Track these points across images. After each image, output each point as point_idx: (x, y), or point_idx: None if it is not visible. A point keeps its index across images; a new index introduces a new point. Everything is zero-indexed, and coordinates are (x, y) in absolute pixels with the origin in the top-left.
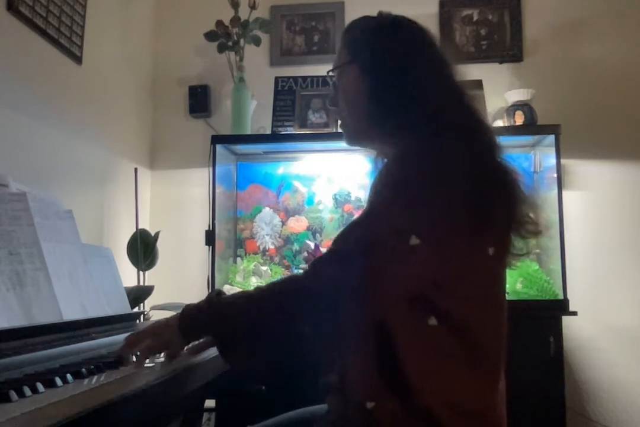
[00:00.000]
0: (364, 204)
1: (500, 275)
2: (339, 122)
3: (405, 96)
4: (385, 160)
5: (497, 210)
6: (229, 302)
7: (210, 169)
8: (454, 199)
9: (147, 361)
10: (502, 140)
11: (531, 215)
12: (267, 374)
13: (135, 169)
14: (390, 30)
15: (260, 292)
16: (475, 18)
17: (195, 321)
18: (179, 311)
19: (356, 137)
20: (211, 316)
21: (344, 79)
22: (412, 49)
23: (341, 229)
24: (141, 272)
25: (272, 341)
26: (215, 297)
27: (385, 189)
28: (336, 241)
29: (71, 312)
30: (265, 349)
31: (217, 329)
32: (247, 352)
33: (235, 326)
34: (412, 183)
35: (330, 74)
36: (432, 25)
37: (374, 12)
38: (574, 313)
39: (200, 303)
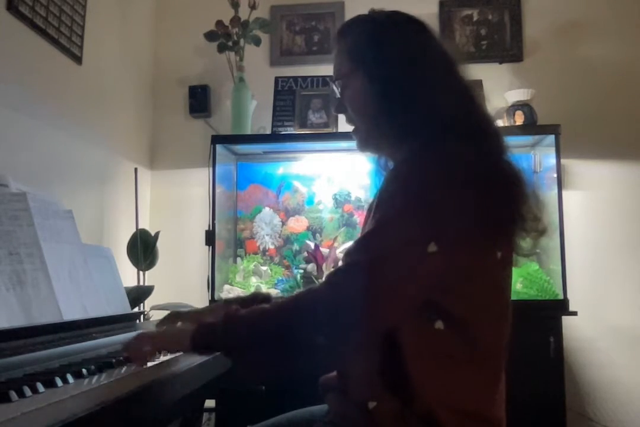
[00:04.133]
0: (365, 205)
1: (506, 278)
2: (352, 128)
3: (413, 100)
4: (391, 161)
5: (506, 212)
6: (242, 319)
7: (210, 169)
8: (467, 204)
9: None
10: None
11: (537, 213)
12: (277, 382)
13: (135, 169)
14: (389, 30)
15: (277, 308)
16: (475, 18)
17: (206, 336)
18: (179, 310)
19: (369, 143)
20: (221, 335)
21: (350, 88)
22: (413, 48)
23: (356, 239)
24: (141, 272)
25: (289, 355)
26: (232, 313)
27: (396, 195)
28: (351, 252)
29: (71, 312)
30: (277, 363)
31: (227, 347)
32: (259, 366)
33: (247, 343)
34: (424, 189)
35: (334, 82)
36: (432, 25)
37: None
38: (574, 313)
39: (215, 319)
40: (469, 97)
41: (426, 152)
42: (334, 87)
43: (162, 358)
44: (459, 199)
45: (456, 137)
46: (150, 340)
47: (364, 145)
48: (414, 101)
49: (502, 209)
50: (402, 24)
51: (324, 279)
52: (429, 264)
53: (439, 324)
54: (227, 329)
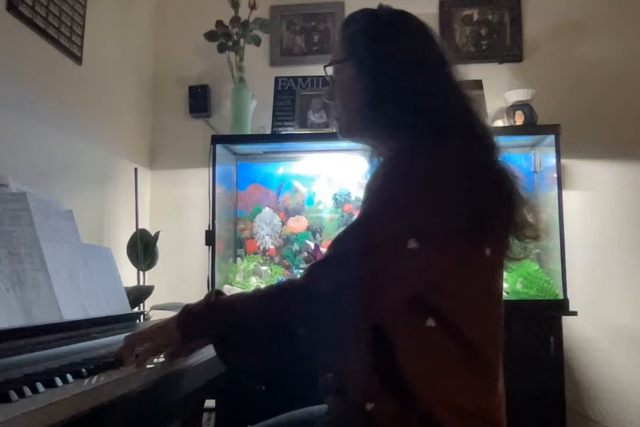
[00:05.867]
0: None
1: (497, 275)
2: (335, 115)
3: (402, 97)
4: (381, 159)
5: (495, 212)
6: (226, 303)
7: (210, 169)
8: (452, 202)
9: (147, 361)
10: (502, 141)
11: (530, 218)
12: (265, 374)
13: (135, 169)
14: (390, 27)
15: (258, 295)
16: (475, 18)
17: (192, 322)
18: (179, 311)
19: (348, 132)
20: (208, 318)
21: (341, 75)
22: (411, 48)
23: (339, 231)
24: (141, 272)
25: (269, 342)
26: (213, 298)
27: (382, 191)
28: (333, 245)
29: (71, 312)
30: (262, 351)
31: (214, 330)
32: (244, 353)
33: (232, 328)
34: (409, 186)
35: (328, 68)
36: (432, 25)
37: None
38: (574, 313)
39: (197, 304)
40: (462, 99)
41: (413, 150)
42: (326, 72)
43: (162, 358)
44: (441, 198)
45: (446, 137)
46: (138, 340)
47: (343, 133)
48: (401, 99)
49: (488, 209)
50: (403, 23)
51: (305, 270)
52: (408, 260)
53: (430, 322)
54: (211, 310)
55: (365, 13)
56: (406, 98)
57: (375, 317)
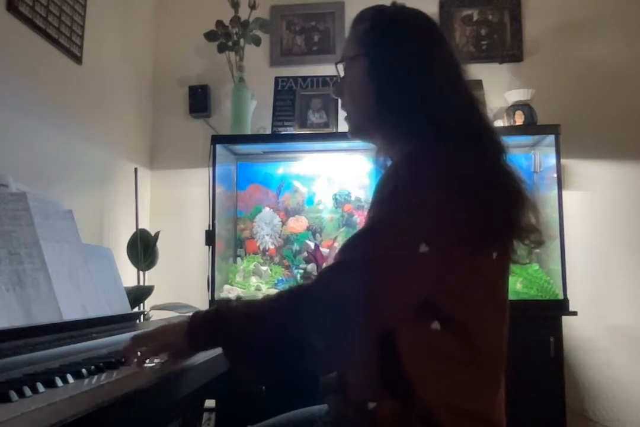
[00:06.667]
0: (365, 205)
1: (502, 278)
2: (345, 114)
3: (412, 97)
4: (388, 160)
5: (502, 215)
6: (237, 313)
7: (210, 169)
8: (461, 205)
9: (148, 361)
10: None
11: (535, 223)
12: (274, 379)
13: (135, 169)
14: (402, 25)
15: (268, 303)
16: (475, 18)
17: (202, 332)
18: (179, 311)
19: (358, 131)
20: (219, 328)
21: (351, 72)
22: (422, 48)
23: (349, 236)
24: (141, 272)
25: (280, 350)
26: (224, 306)
27: (391, 196)
28: (343, 250)
29: (71, 312)
30: (272, 357)
31: (225, 341)
32: (256, 361)
33: (243, 337)
34: (418, 190)
35: (338, 65)
36: None
37: None
38: (574, 313)
39: (208, 313)
40: (470, 100)
41: (422, 154)
42: (338, 69)
43: (163, 358)
44: (451, 201)
45: (454, 140)
46: (144, 339)
47: (354, 132)
48: (411, 99)
49: (496, 213)
50: (414, 21)
51: (315, 276)
52: (420, 265)
53: (436, 325)
54: (221, 318)
55: (377, 10)
56: (416, 98)
57: (383, 321)
